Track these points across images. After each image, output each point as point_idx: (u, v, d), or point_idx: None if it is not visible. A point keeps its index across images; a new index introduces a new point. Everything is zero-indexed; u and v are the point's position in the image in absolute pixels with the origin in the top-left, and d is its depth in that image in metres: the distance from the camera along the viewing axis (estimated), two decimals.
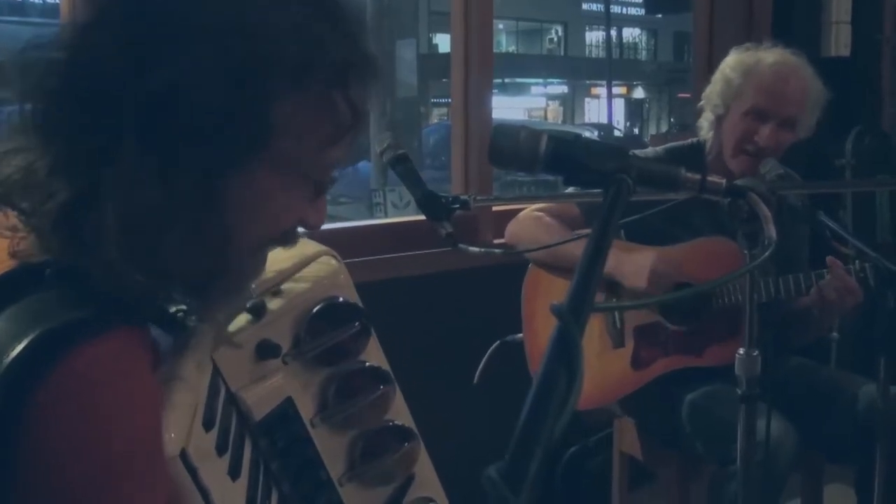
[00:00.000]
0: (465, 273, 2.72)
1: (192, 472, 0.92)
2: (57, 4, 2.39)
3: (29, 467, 0.80)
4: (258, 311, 1.09)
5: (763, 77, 2.36)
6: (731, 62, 2.43)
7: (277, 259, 1.11)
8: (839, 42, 3.61)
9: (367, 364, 1.24)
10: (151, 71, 0.87)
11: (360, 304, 1.23)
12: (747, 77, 2.37)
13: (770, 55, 2.39)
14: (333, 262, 1.23)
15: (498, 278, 2.58)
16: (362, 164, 11.68)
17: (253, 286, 1.07)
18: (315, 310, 1.17)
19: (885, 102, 3.77)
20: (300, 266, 1.19)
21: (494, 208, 2.96)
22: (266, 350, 1.09)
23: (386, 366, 1.26)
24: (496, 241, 2.92)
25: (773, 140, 2.34)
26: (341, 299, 1.20)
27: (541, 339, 2.47)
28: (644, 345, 2.40)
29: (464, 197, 1.90)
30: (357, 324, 1.21)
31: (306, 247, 1.20)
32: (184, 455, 0.91)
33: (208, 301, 0.98)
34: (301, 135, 0.95)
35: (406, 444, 1.28)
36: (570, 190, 2.14)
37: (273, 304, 1.12)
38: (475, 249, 1.93)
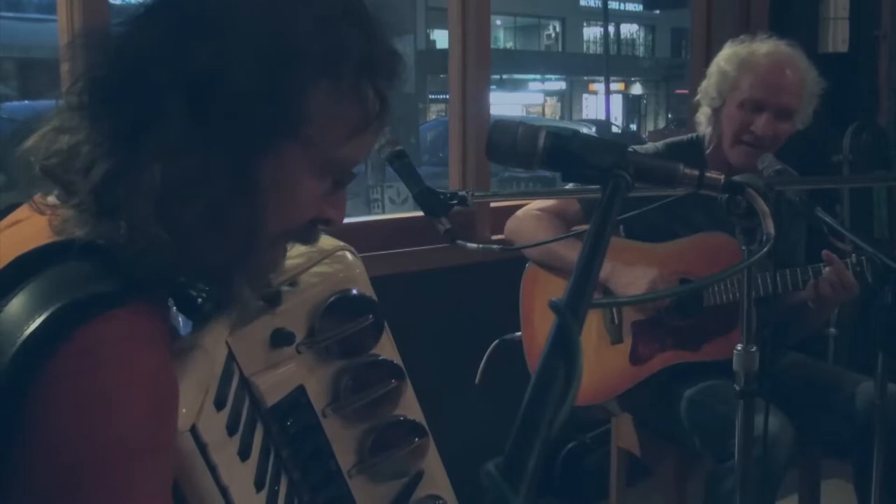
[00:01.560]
0: (463, 269, 2.72)
1: (202, 447, 0.93)
2: (53, 0, 2.39)
3: (37, 438, 0.82)
4: (274, 300, 1.10)
5: (758, 68, 2.36)
6: (726, 55, 2.43)
7: (296, 251, 1.14)
8: (837, 38, 3.61)
9: (380, 357, 1.24)
10: (195, 53, 0.93)
11: (375, 299, 1.24)
12: (742, 68, 2.38)
13: (764, 46, 2.39)
14: (350, 256, 1.24)
15: (496, 274, 2.58)
16: None
17: (271, 278, 1.09)
18: (330, 301, 1.17)
19: (882, 98, 3.78)
20: (318, 259, 1.20)
21: (492, 204, 2.97)
22: (280, 338, 1.10)
23: (398, 360, 1.27)
24: (494, 238, 2.93)
25: (769, 130, 2.34)
26: (356, 292, 1.21)
27: (539, 336, 2.48)
28: (642, 340, 2.40)
29: (462, 193, 1.89)
30: (371, 317, 1.22)
31: (324, 241, 1.21)
32: (194, 431, 0.92)
33: (227, 288, 1.00)
34: (331, 121, 0.99)
35: (417, 439, 1.28)
36: (569, 186, 2.14)
37: (289, 294, 1.13)
38: (473, 246, 1.93)
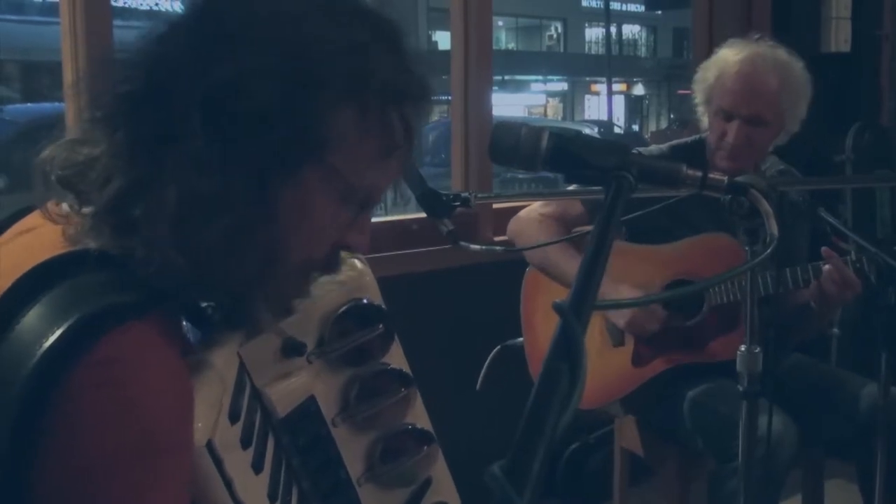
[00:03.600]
0: (465, 270, 2.72)
1: (218, 462, 0.93)
2: (56, 3, 2.39)
3: (59, 444, 0.83)
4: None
5: (726, 78, 2.37)
6: (708, 63, 2.46)
7: None
8: (839, 38, 3.61)
9: (390, 366, 1.24)
10: (217, 68, 0.92)
11: (384, 307, 1.23)
12: (716, 77, 2.40)
13: (739, 54, 2.38)
14: (359, 264, 1.23)
15: (498, 275, 2.58)
16: None
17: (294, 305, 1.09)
18: (340, 310, 1.17)
19: (884, 98, 3.77)
20: None
21: (495, 205, 2.96)
22: (291, 348, 1.10)
23: (407, 369, 1.26)
24: (496, 239, 2.93)
25: (740, 138, 2.34)
26: (366, 301, 1.21)
27: (540, 339, 2.48)
28: (645, 342, 2.40)
29: (464, 194, 1.89)
30: (381, 326, 1.21)
31: None
32: (210, 445, 0.92)
33: (243, 309, 1.00)
34: (355, 148, 0.98)
35: (425, 447, 1.28)
36: (572, 187, 2.14)
37: (299, 304, 1.12)
38: (476, 247, 1.93)
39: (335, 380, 1.18)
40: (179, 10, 1.02)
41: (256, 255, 0.95)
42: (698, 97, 2.47)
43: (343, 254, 1.17)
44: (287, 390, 1.09)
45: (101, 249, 0.91)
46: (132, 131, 0.94)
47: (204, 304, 0.99)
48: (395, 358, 1.25)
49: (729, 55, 2.40)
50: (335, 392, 1.18)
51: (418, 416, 1.29)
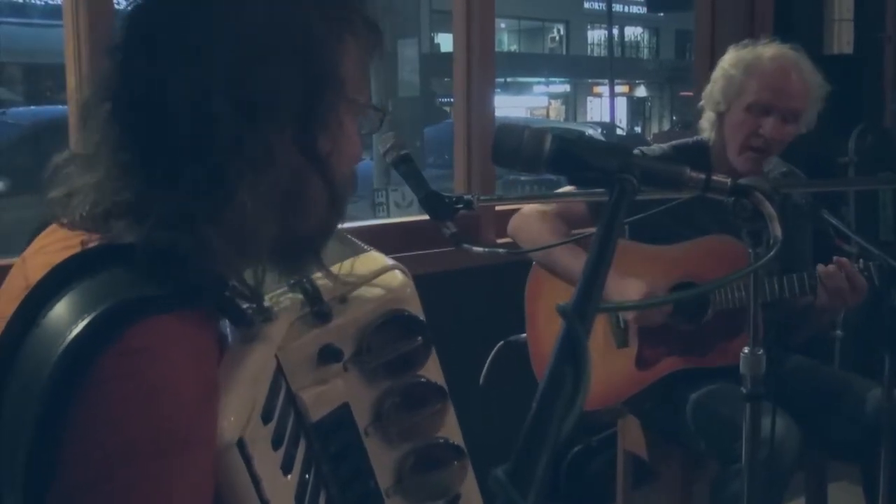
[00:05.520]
0: (468, 272, 2.72)
1: (247, 459, 0.93)
2: (59, 6, 2.39)
3: (81, 434, 0.83)
4: (325, 317, 1.10)
5: (764, 72, 2.37)
6: (731, 59, 2.44)
7: (347, 269, 1.15)
8: (841, 40, 3.61)
9: (426, 379, 1.23)
10: (228, 60, 0.95)
11: (424, 319, 1.23)
12: (748, 73, 2.38)
13: (769, 50, 2.40)
14: (401, 275, 1.23)
15: (501, 278, 2.58)
16: (365, 164, 11.69)
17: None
18: (380, 321, 1.16)
19: (887, 100, 3.78)
20: (370, 277, 1.19)
21: (497, 208, 2.96)
22: (328, 355, 1.10)
23: (443, 382, 1.25)
24: (499, 241, 2.92)
25: (777, 133, 2.35)
26: (406, 313, 1.20)
27: (544, 337, 2.47)
28: (648, 344, 2.40)
29: (467, 197, 1.89)
30: (420, 338, 1.21)
31: (376, 260, 1.21)
32: (241, 442, 0.92)
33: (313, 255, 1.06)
34: (357, 71, 1.05)
35: (456, 462, 1.27)
36: (569, 189, 2.14)
37: (339, 311, 1.13)
38: (479, 249, 1.92)
39: (370, 389, 1.17)
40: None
41: (321, 204, 1.02)
42: (716, 96, 2.43)
43: (384, 265, 1.21)
44: (321, 395, 1.09)
45: (131, 243, 0.91)
46: (158, 138, 0.94)
47: (245, 305, 0.99)
48: (432, 371, 1.24)
49: (758, 52, 2.40)
50: (370, 402, 1.17)
51: (451, 431, 1.27)
